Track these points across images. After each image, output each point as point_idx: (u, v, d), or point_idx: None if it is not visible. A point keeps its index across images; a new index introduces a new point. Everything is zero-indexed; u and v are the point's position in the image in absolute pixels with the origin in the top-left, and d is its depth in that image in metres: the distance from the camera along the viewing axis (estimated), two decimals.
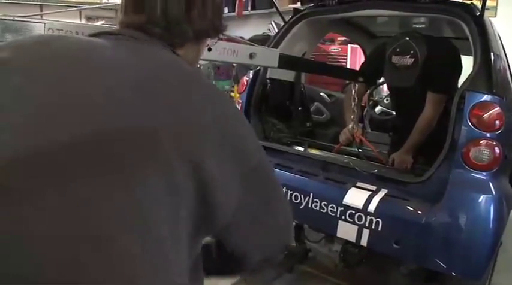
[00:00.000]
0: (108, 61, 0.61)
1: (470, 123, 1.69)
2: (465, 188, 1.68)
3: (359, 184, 1.93)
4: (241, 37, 2.96)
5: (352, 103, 2.29)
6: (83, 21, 6.06)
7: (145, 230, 0.51)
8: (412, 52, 1.98)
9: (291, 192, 2.05)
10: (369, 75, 2.33)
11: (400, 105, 2.55)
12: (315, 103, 3.68)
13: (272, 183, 0.71)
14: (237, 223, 0.64)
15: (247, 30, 5.05)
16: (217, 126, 0.61)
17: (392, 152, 2.64)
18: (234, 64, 4.59)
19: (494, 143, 1.68)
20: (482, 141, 1.68)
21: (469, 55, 1.99)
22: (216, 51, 1.50)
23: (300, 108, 2.75)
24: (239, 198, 0.62)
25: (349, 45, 4.74)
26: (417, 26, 2.78)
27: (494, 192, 1.66)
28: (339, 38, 4.91)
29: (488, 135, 1.68)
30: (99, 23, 5.61)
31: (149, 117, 0.55)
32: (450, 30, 2.70)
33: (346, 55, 4.80)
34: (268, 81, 2.48)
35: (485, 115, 1.69)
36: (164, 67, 0.64)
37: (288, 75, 2.59)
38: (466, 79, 1.80)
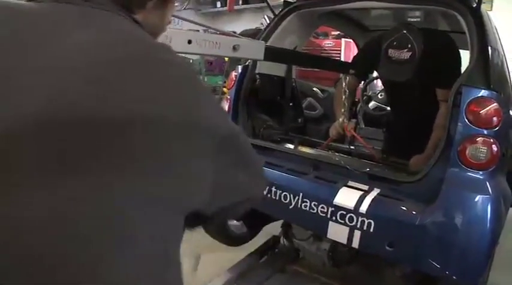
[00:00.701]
0: (62, 41, 0.51)
1: (466, 120, 1.59)
2: (461, 188, 1.58)
3: (351, 183, 1.83)
4: (233, 32, 2.84)
5: (343, 96, 2.18)
6: None
7: (123, 235, 0.45)
8: (409, 46, 1.87)
9: (280, 191, 1.95)
10: (361, 68, 2.23)
11: (395, 100, 2.46)
12: (308, 99, 3.58)
13: (244, 148, 0.66)
14: (214, 194, 0.58)
15: (240, 25, 4.93)
16: (183, 107, 0.53)
17: (386, 148, 2.56)
18: (226, 59, 4.47)
19: (492, 140, 1.58)
20: (479, 138, 1.58)
21: (465, 49, 1.89)
22: (196, 44, 1.40)
23: (291, 104, 2.64)
24: (213, 170, 0.56)
25: (343, 40, 4.64)
26: (412, 20, 2.68)
27: (491, 192, 1.57)
28: (333, 32, 4.80)
29: (485, 132, 1.58)
30: None
31: (105, 101, 0.47)
32: (445, 23, 2.59)
33: (340, 50, 4.69)
34: (257, 76, 2.37)
35: (483, 112, 1.59)
36: (124, 44, 0.53)
37: (278, 70, 2.48)
38: (463, 73, 1.69)
